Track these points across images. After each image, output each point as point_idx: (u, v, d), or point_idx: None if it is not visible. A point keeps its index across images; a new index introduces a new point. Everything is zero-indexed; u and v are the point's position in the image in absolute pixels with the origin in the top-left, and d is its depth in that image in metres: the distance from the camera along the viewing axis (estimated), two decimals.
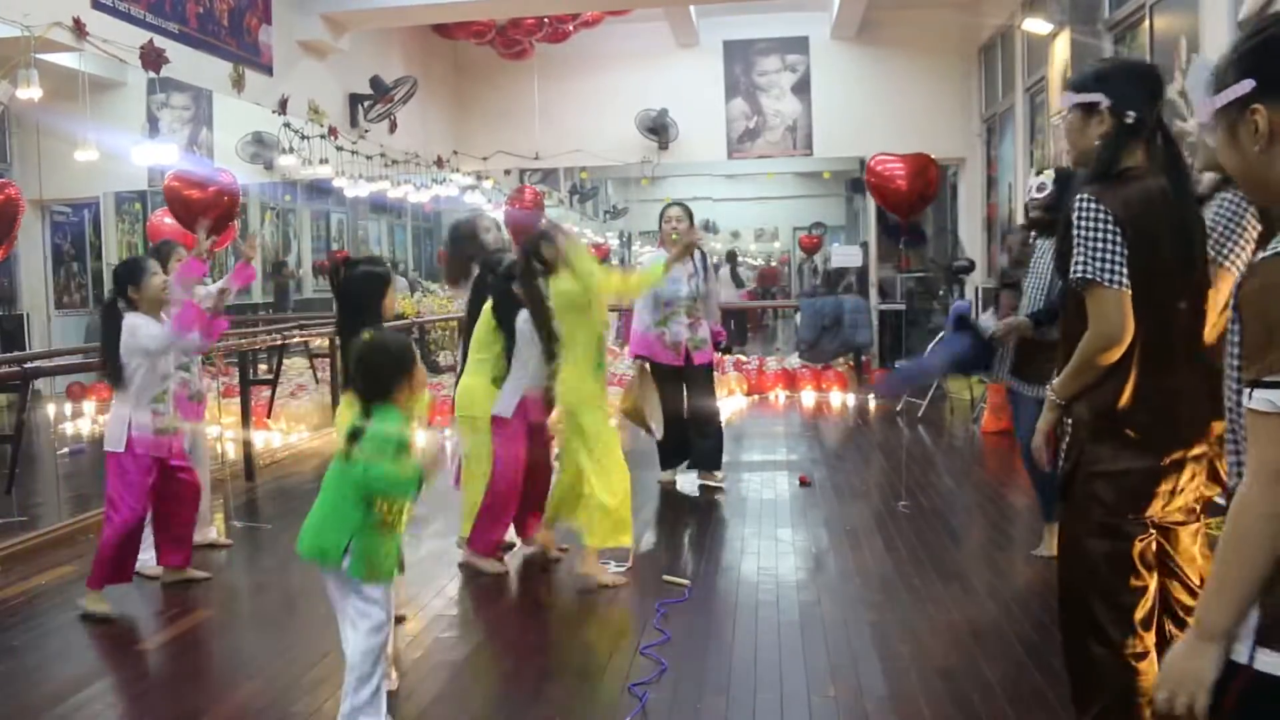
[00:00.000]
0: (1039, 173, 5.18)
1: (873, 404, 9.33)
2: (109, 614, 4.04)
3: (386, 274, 3.82)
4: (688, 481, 6.20)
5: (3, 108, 6.29)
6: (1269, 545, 1.32)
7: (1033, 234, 4.49)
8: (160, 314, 4.17)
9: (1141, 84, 2.46)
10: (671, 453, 6.21)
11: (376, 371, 2.81)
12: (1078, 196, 2.32)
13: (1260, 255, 1.37)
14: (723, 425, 6.36)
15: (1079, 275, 2.26)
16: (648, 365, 5.93)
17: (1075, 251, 2.27)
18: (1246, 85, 1.38)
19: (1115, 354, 2.26)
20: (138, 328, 4.06)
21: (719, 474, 6.17)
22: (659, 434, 5.77)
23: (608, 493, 4.28)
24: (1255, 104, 1.38)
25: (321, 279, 12.20)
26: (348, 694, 2.80)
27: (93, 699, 3.33)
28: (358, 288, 3.68)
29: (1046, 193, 4.28)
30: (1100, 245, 2.25)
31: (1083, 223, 2.27)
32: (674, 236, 5.86)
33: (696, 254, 5.92)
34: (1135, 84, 2.46)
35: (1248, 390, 1.33)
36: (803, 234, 19.84)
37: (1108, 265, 2.24)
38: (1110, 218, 2.24)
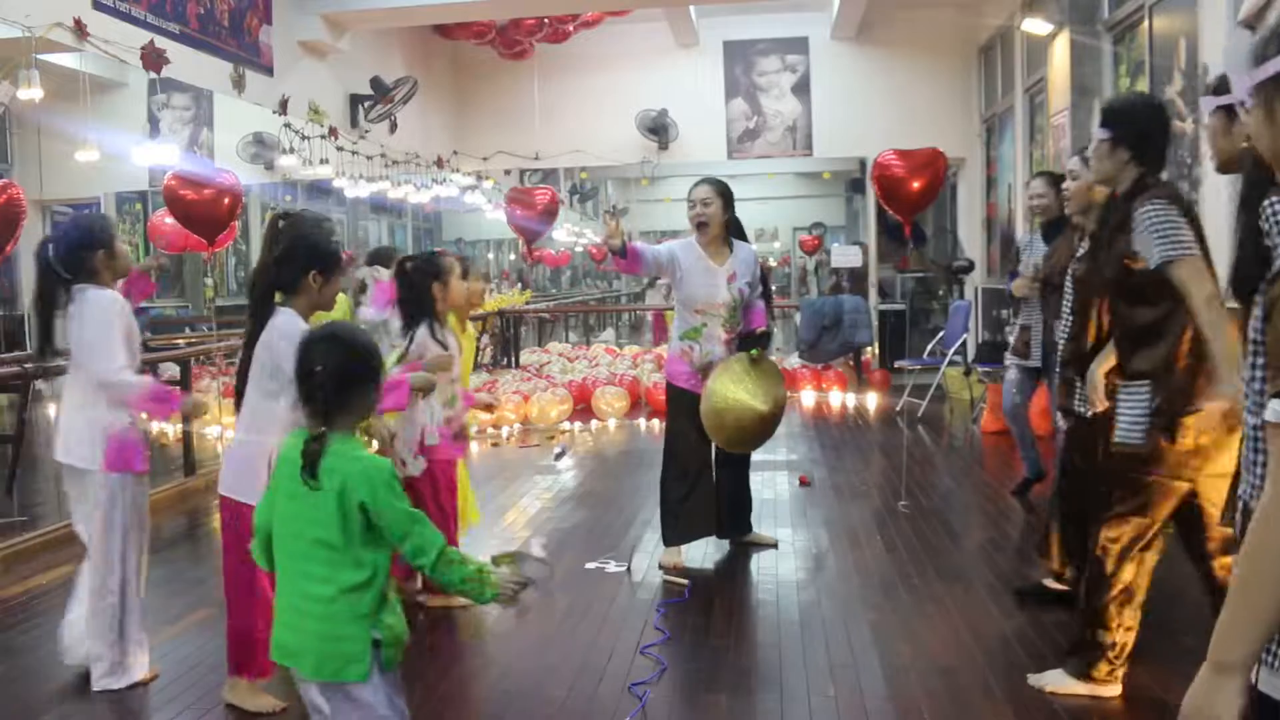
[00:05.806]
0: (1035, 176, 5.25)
1: (872, 404, 9.33)
2: None
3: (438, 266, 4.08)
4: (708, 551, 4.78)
5: (4, 108, 6.29)
6: None
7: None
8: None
9: None
10: (681, 522, 4.53)
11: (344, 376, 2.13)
12: None
13: None
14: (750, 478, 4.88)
15: None
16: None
17: None
18: None
19: None
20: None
21: (763, 534, 4.90)
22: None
23: None
24: None
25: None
26: None
27: (94, 698, 3.33)
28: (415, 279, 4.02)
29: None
30: None
31: None
32: (700, 222, 4.50)
33: (747, 251, 4.60)
34: None
35: (1271, 400, 1.23)
36: (803, 234, 19.82)
37: None
38: None
